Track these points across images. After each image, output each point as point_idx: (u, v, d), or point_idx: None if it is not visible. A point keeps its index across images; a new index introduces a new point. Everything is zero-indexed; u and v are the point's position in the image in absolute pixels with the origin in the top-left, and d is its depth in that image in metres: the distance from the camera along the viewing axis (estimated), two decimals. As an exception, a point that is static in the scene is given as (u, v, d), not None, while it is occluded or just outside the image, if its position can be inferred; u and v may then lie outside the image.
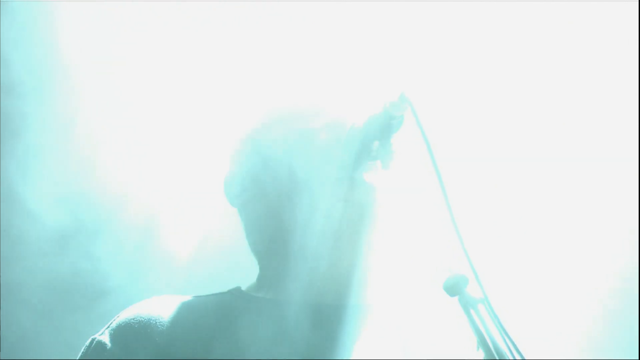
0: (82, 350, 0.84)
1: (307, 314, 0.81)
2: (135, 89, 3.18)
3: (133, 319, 0.82)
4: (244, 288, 0.98)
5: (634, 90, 3.34)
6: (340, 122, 0.92)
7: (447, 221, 0.66)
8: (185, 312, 0.85)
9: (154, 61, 3.09)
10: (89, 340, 0.83)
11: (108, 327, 0.83)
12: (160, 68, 3.19)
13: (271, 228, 0.93)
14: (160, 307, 0.86)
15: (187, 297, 0.92)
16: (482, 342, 0.58)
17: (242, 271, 1.14)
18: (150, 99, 3.20)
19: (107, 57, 3.15)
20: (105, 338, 0.80)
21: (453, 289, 0.61)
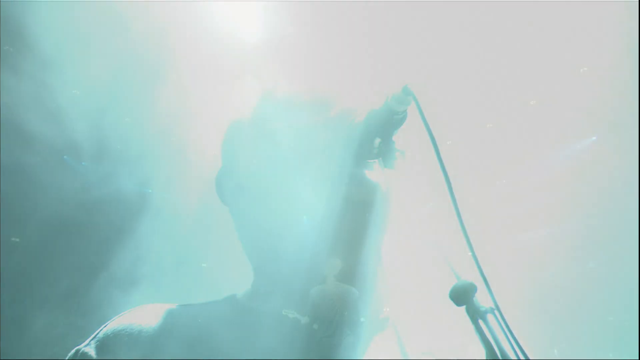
0: None
1: (302, 330, 0.77)
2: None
3: (121, 329, 0.77)
4: (239, 295, 0.93)
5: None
6: (341, 118, 0.87)
7: (454, 222, 0.61)
8: (175, 323, 0.81)
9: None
10: (73, 350, 0.78)
11: (94, 337, 0.78)
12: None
13: (265, 230, 0.88)
14: (149, 317, 0.81)
15: (178, 307, 0.87)
16: (491, 353, 0.54)
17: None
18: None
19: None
20: (90, 349, 0.76)
21: (460, 297, 0.56)
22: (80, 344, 0.78)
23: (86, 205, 7.09)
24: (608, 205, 7.39)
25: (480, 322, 0.57)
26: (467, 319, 0.59)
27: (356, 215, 0.84)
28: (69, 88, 5.07)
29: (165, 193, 7.43)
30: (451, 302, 0.58)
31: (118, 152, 6.29)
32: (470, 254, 0.58)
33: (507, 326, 0.55)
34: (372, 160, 0.84)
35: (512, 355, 0.55)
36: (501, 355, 0.55)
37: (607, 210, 7.40)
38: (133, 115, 5.33)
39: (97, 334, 0.79)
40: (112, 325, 0.80)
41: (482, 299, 0.58)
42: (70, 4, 3.90)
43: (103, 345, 0.76)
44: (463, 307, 0.58)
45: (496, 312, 0.55)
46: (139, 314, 0.83)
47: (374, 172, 0.86)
